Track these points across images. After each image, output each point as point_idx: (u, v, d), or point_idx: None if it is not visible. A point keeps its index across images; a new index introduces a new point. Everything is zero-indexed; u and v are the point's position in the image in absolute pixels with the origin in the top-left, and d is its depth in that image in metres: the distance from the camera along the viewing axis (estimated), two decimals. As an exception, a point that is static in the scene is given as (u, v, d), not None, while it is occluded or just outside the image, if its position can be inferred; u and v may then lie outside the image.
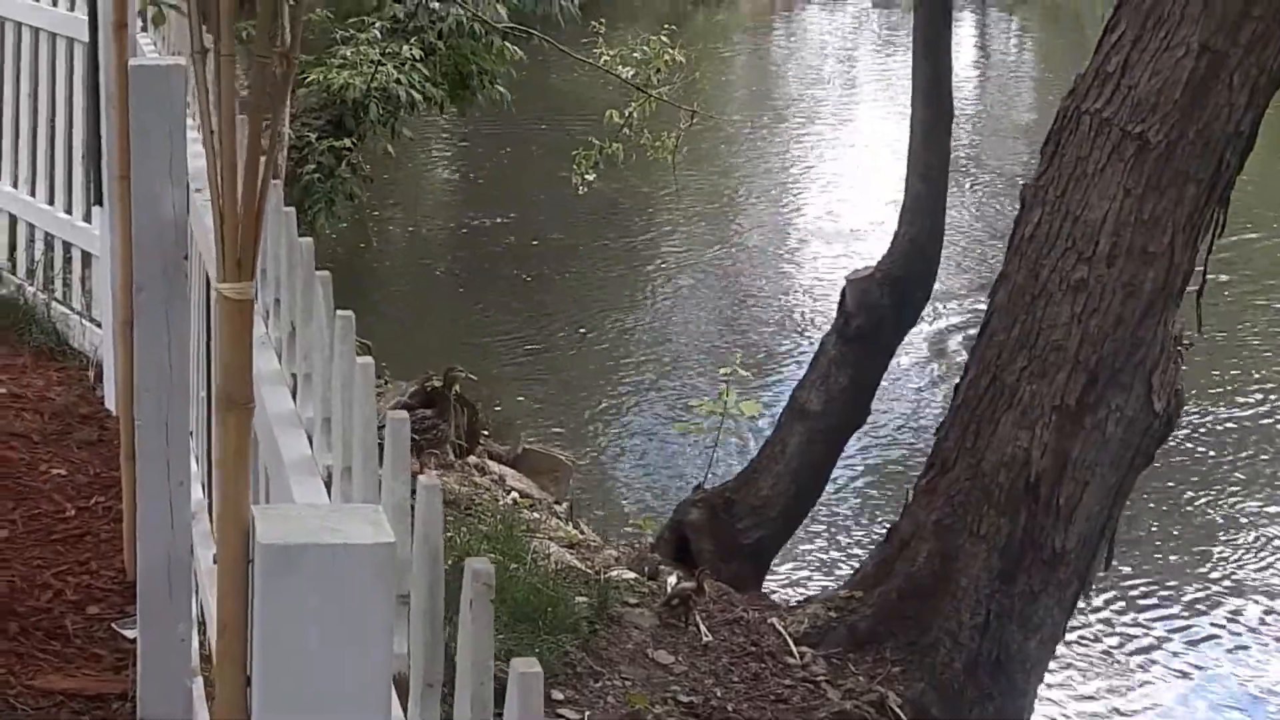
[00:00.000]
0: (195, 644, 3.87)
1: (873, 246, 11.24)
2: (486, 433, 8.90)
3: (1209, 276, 6.70)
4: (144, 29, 5.79)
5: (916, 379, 12.08)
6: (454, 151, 18.87)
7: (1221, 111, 6.13)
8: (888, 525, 7.08)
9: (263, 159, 1.78)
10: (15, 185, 7.40)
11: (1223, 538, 10.10)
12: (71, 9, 6.88)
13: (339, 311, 2.36)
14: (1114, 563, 6.96)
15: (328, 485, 2.33)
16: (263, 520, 1.63)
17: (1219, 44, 6.04)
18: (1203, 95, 6.09)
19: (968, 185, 17.19)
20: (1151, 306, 6.32)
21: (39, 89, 7.21)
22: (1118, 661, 8.76)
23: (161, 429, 3.75)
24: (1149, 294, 6.30)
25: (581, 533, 7.56)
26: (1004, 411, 6.44)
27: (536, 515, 7.58)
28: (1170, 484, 10.42)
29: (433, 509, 1.72)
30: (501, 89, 12.43)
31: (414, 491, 1.85)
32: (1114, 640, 8.91)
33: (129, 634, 4.49)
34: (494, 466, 8.51)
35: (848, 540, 9.78)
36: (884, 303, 7.13)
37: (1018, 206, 6.62)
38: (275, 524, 1.62)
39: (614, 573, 6.64)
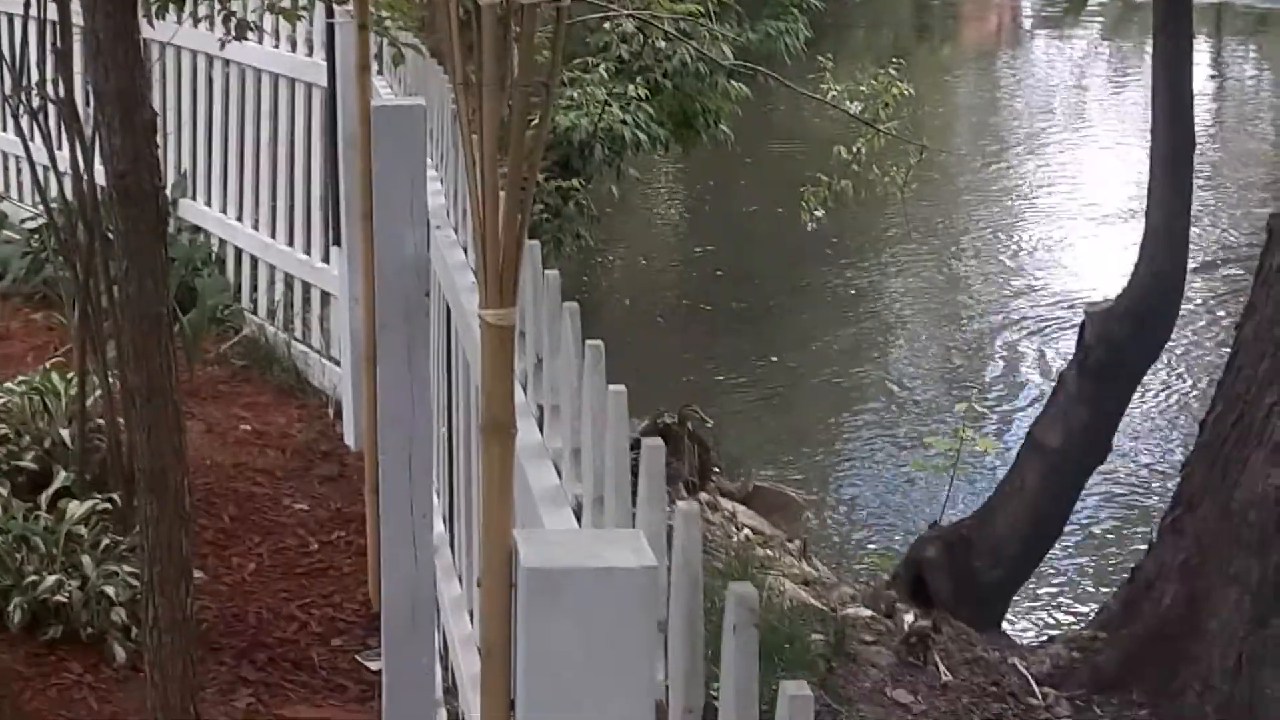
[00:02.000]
0: (439, 675, 3.90)
1: (1104, 281, 11.01)
2: (718, 470, 8.88)
3: None
4: (379, 72, 5.90)
5: (1157, 415, 11.79)
6: (679, 190, 18.95)
7: None
8: (1130, 565, 6.90)
9: (523, 185, 1.78)
10: (256, 228, 7.59)
11: None
12: (310, 54, 7.04)
13: (588, 341, 2.35)
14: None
15: (577, 516, 2.33)
16: (525, 545, 1.63)
17: None
18: None
19: (1205, 219, 16.80)
20: (1406, 338, 6.10)
21: (279, 133, 7.39)
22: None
23: (405, 463, 3.80)
24: (1404, 324, 6.09)
25: (815, 570, 7.50)
26: (1253, 449, 6.25)
27: (769, 552, 7.54)
28: None
29: (692, 535, 1.70)
30: (725, 128, 12.45)
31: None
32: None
33: (373, 665, 4.55)
34: (725, 504, 8.48)
35: (1090, 581, 9.57)
36: (1125, 336, 6.98)
37: (1264, 237, 6.42)
38: (538, 548, 1.62)
39: (850, 610, 6.58)
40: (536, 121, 1.82)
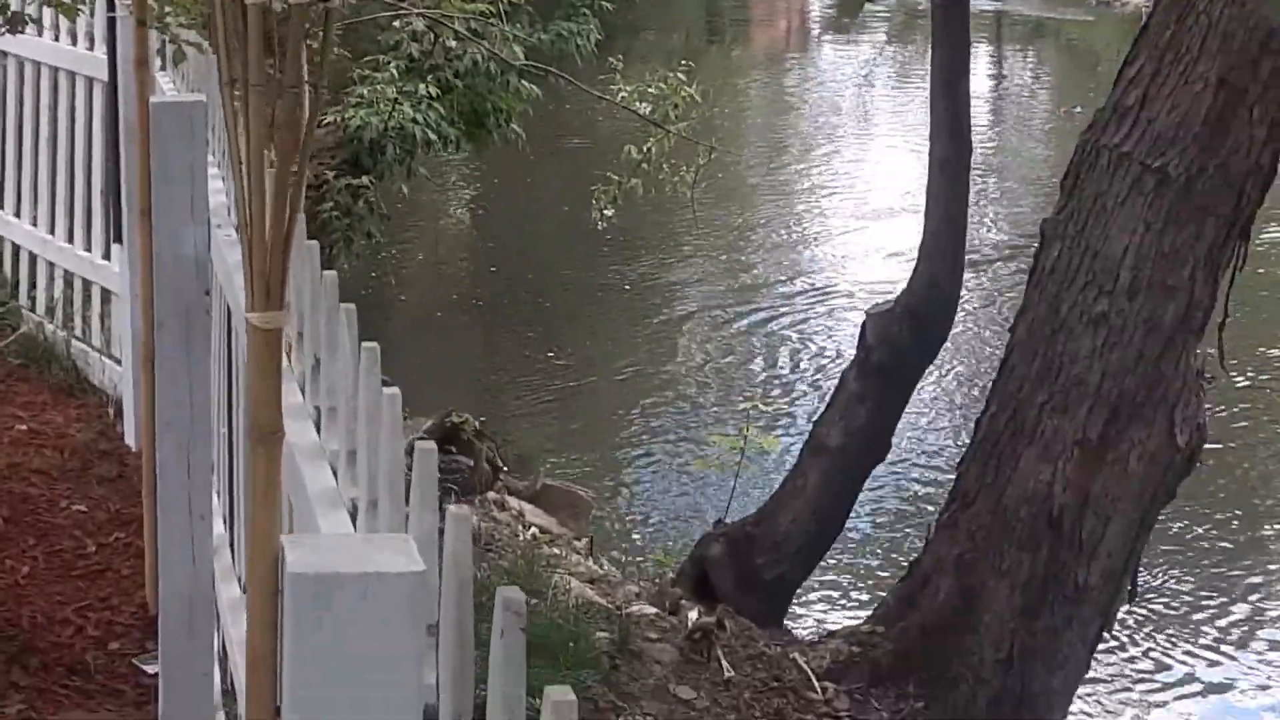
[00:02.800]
0: (216, 679, 3.87)
1: (892, 280, 11.23)
2: (505, 468, 8.89)
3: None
4: (162, 68, 5.81)
5: (936, 414, 12.06)
6: (471, 188, 18.91)
7: (1241, 145, 6.12)
8: (910, 560, 7.05)
9: (291, 186, 1.78)
10: (35, 223, 7.43)
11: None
12: (91, 48, 6.91)
13: (364, 343, 2.36)
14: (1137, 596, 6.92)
15: (353, 518, 2.33)
16: (292, 550, 1.63)
17: (1238, 79, 6.03)
18: (1222, 129, 6.08)
19: (985, 220, 17.20)
20: (1172, 341, 6.29)
21: (58, 128, 7.25)
22: (1138, 695, 8.72)
23: (183, 464, 3.76)
24: (1170, 328, 6.28)
25: (602, 568, 7.55)
26: (1025, 446, 6.41)
27: (556, 551, 7.56)
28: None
29: (461, 539, 1.72)
30: (517, 128, 12.46)
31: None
32: (1136, 672, 8.87)
33: (150, 669, 4.49)
34: (513, 502, 8.50)
35: (870, 576, 9.76)
36: (904, 336, 7.12)
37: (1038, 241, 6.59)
38: (304, 553, 1.62)
39: (635, 608, 6.63)
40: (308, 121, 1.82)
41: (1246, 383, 12.60)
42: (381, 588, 1.58)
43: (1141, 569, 6.80)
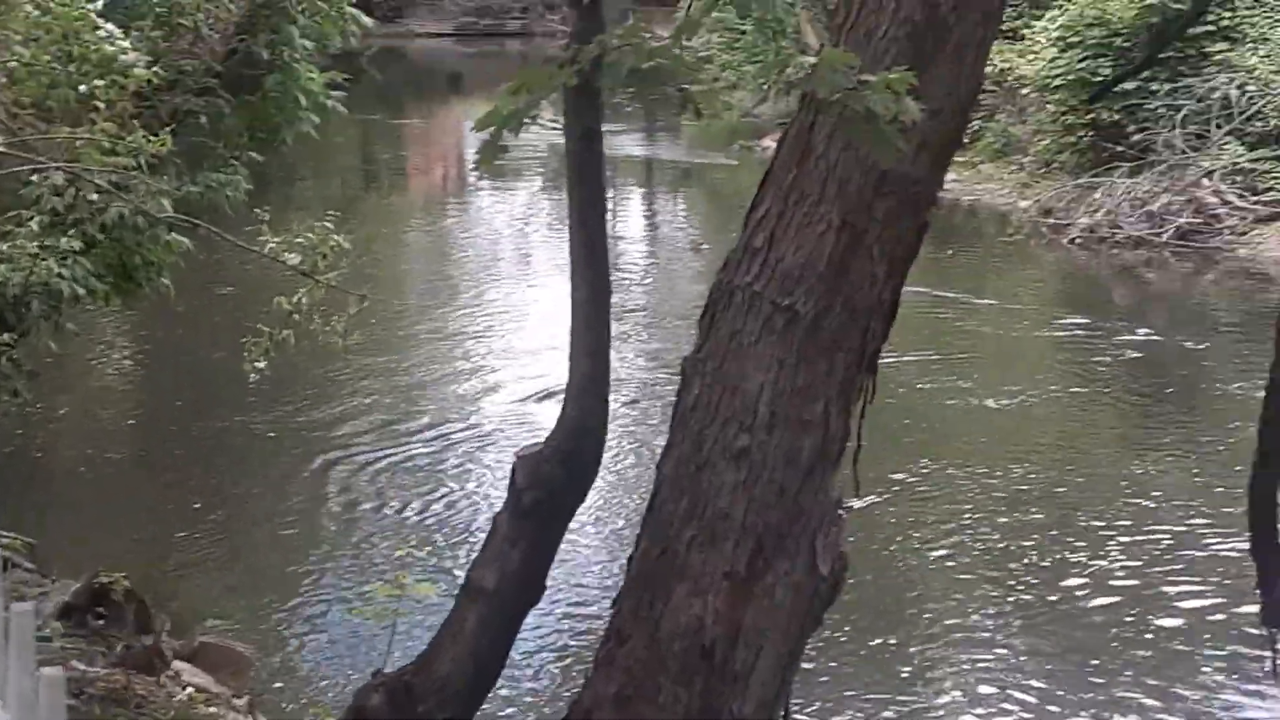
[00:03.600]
0: None
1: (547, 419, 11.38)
2: (166, 629, 8.71)
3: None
4: None
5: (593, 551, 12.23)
6: (124, 340, 18.58)
7: (864, 283, 6.37)
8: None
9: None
10: None
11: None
12: None
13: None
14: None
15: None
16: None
17: (857, 219, 6.29)
18: (845, 268, 6.33)
19: (637, 355, 17.56)
20: (811, 473, 6.48)
21: None
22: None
23: None
24: (807, 461, 6.47)
25: (260, 726, 7.42)
26: (677, 581, 6.52)
27: (214, 710, 7.43)
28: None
29: (55, 703, 1.72)
30: (167, 280, 12.30)
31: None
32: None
33: None
34: (176, 665, 8.33)
35: (534, 716, 9.79)
36: (555, 477, 7.18)
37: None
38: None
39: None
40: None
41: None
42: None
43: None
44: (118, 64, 11.04)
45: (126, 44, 11.36)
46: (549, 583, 7.53)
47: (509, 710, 9.79)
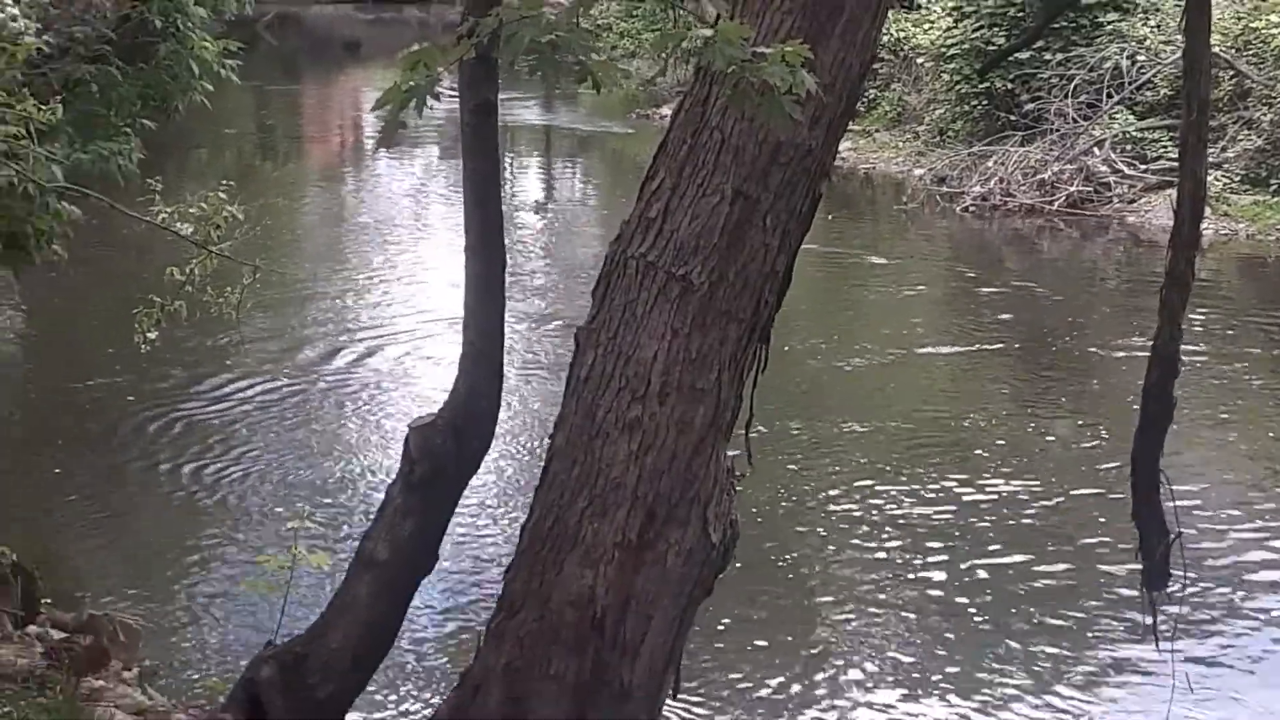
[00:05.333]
0: None
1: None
2: (48, 600, 8.62)
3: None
4: None
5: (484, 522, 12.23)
6: (11, 309, 18.33)
7: (758, 253, 6.42)
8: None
9: None
10: None
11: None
12: None
13: None
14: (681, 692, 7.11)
15: None
16: None
17: (751, 190, 6.34)
18: (739, 238, 6.37)
19: (537, 328, 17.55)
20: (703, 442, 6.53)
21: None
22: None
23: None
24: (700, 430, 6.52)
25: (150, 699, 7.37)
26: (568, 551, 6.55)
27: (102, 683, 7.37)
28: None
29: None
30: (59, 249, 12.13)
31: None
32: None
33: None
34: (57, 636, 8.24)
35: (432, 686, 9.79)
36: (447, 449, 7.18)
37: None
38: None
39: (183, 737, 6.51)
40: None
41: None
42: None
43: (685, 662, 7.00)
44: (7, 31, 10.86)
45: (15, 10, 11.16)
46: (440, 554, 7.54)
47: (400, 682, 9.78)
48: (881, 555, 11.94)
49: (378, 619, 7.32)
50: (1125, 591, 10.92)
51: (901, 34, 28.57)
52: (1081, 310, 19.58)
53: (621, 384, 6.54)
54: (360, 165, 31.02)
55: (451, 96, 6.65)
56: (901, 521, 12.51)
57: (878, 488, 13.14)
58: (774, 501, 12.70)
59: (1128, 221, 23.35)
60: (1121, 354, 16.94)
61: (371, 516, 7.46)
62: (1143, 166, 24.24)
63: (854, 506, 12.79)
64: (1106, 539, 11.96)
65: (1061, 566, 11.80)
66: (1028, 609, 11.11)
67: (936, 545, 12.10)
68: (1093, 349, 17.70)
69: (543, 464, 6.83)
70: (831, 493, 13.09)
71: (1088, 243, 23.05)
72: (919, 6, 29.29)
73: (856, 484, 13.26)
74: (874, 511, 12.69)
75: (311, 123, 36.13)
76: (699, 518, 6.58)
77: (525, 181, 28.96)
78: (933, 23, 28.58)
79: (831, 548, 12.09)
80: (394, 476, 7.31)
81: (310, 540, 9.42)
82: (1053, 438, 14.70)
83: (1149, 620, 7.61)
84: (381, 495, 7.41)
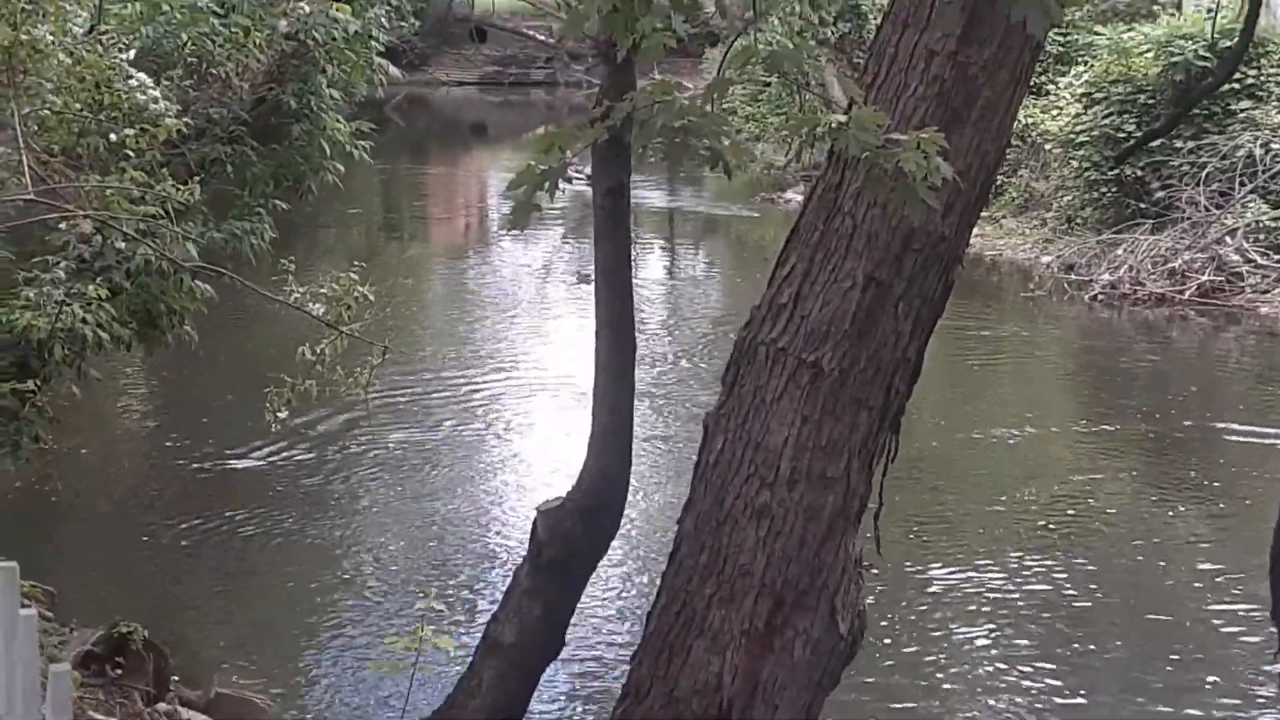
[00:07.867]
0: None
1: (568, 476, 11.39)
2: (177, 678, 8.68)
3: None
4: None
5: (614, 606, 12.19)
6: (147, 387, 18.61)
7: (889, 340, 6.39)
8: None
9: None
10: None
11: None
12: None
13: (1, 562, 2.34)
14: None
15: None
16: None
17: (884, 276, 6.32)
18: (871, 324, 6.35)
19: (665, 413, 17.54)
20: (832, 529, 6.49)
21: None
22: None
23: None
24: (829, 517, 6.47)
25: (276, 777, 7.40)
26: (695, 638, 6.52)
27: (229, 761, 7.40)
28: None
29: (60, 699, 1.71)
30: (190, 329, 12.32)
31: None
32: None
33: None
34: (185, 713, 8.30)
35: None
36: (576, 532, 7.20)
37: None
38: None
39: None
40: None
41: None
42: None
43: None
44: (148, 113, 11.10)
45: (157, 93, 11.42)
46: (567, 637, 7.53)
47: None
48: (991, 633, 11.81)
49: (504, 702, 7.32)
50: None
51: (1030, 120, 28.42)
52: (1213, 399, 19.29)
53: (750, 470, 6.52)
54: (485, 246, 31.26)
55: (577, 176, 6.69)
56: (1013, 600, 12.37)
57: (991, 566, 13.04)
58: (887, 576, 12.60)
59: (1260, 313, 22.98)
60: (1252, 442, 16.66)
61: (498, 598, 7.46)
62: (1276, 256, 23.90)
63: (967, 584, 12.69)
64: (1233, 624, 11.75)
65: (1195, 664, 11.60)
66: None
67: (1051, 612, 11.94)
68: (1221, 437, 17.42)
69: (670, 548, 6.81)
70: (948, 569, 12.97)
71: (1220, 333, 22.73)
72: (1048, 93, 29.14)
73: (975, 561, 13.15)
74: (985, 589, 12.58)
75: (438, 203, 36.49)
76: (827, 606, 6.52)
77: (649, 262, 29.03)
78: (1061, 109, 28.41)
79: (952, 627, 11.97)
80: (523, 560, 7.31)
81: (435, 621, 9.42)
82: (1179, 519, 14.49)
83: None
84: (508, 576, 7.41)
